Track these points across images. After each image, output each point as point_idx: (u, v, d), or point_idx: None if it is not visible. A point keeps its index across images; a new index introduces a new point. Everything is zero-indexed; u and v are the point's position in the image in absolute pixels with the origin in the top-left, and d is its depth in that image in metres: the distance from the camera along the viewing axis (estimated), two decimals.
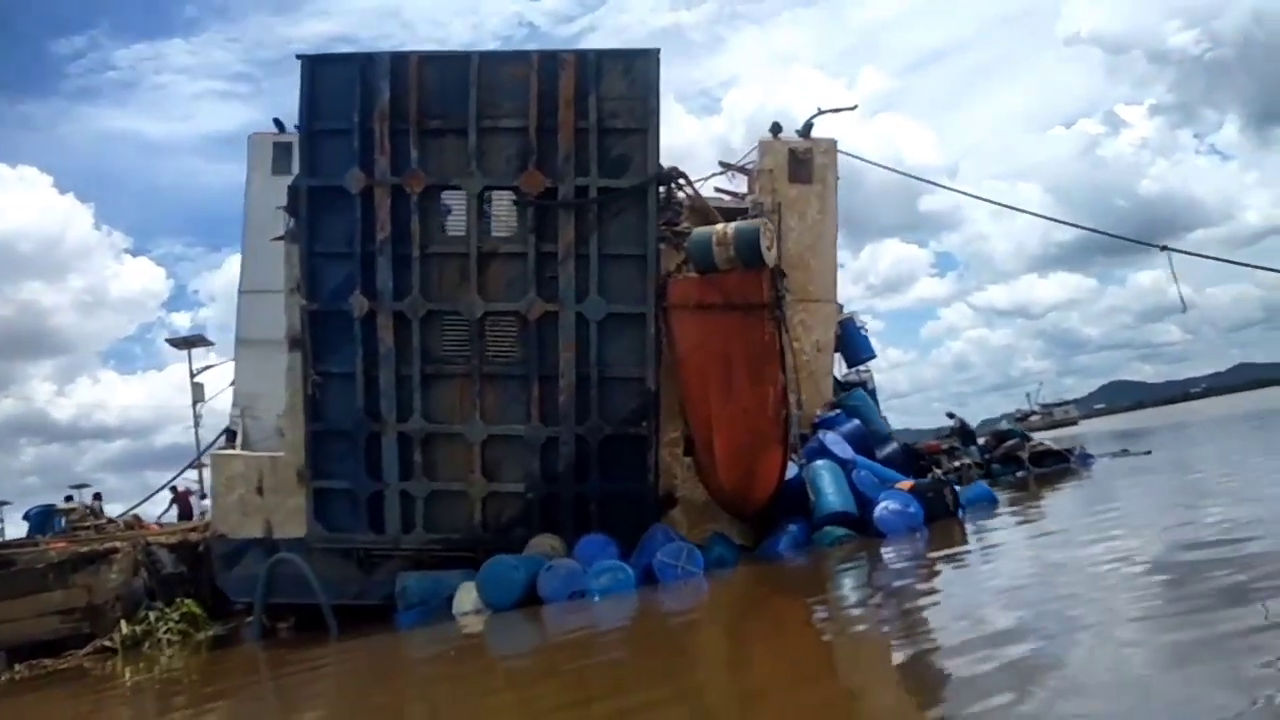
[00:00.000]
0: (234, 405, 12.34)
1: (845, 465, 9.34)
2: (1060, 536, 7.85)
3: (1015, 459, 16.46)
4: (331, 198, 9.16)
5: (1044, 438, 20.33)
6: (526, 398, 9.15)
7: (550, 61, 8.86)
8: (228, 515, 9.47)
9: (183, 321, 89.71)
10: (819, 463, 9.24)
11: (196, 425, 31.71)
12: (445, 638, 7.72)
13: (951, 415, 19.12)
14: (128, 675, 10.20)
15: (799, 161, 12.03)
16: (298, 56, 9.20)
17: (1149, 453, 17.21)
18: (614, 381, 9.07)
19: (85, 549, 12.43)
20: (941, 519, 8.97)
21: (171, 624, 11.74)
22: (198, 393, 31.12)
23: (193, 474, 21.87)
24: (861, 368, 13.80)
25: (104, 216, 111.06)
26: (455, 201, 9.18)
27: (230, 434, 11.74)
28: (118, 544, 12.53)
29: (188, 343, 31.05)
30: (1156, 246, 11.33)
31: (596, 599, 7.76)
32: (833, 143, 12.31)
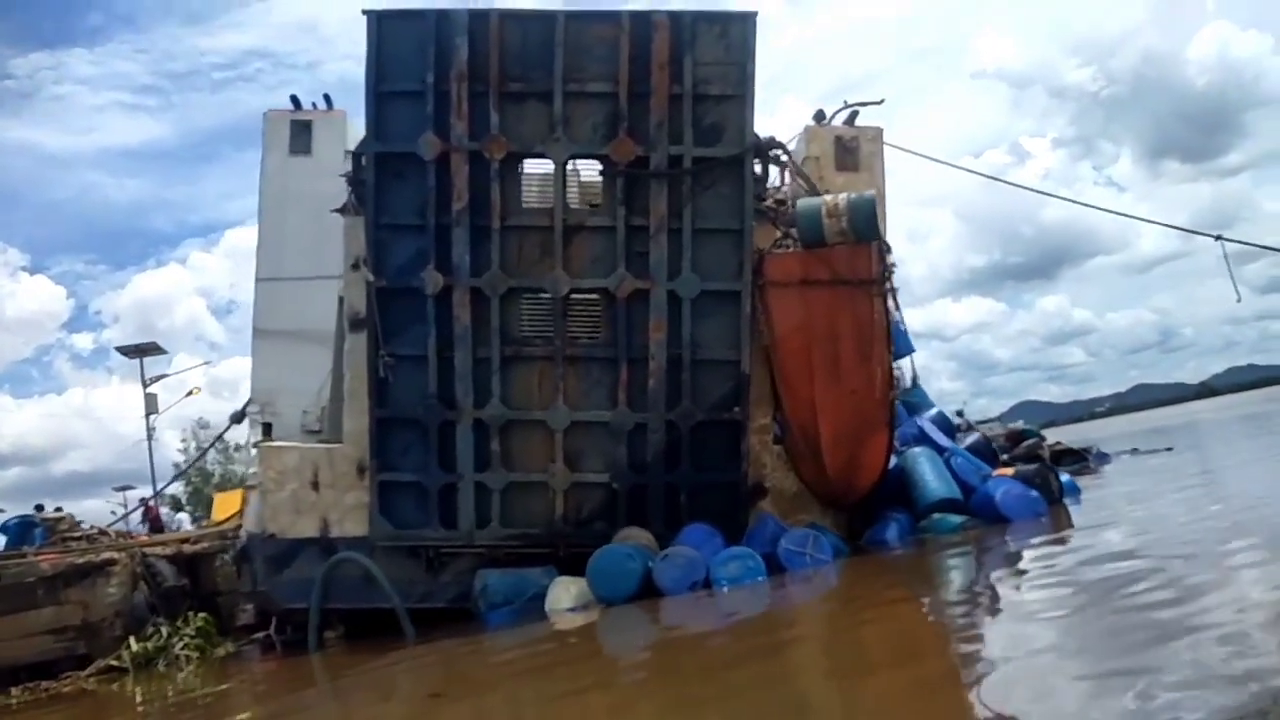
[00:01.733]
0: (251, 401, 11.40)
1: (942, 452, 8.95)
2: (1174, 511, 7.70)
3: (1037, 457, 16.37)
4: (400, 165, 8.47)
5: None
6: (612, 382, 8.55)
7: (642, 23, 8.32)
8: (278, 513, 8.64)
9: (84, 343, 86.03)
10: (917, 450, 8.85)
11: (150, 437, 30.16)
12: (555, 636, 7.08)
13: (960, 414, 19.04)
14: (160, 696, 9.27)
15: (846, 149, 11.62)
16: (364, 12, 8.49)
17: (1170, 449, 17.33)
18: (705, 364, 8.54)
19: (82, 560, 11.40)
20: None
21: (187, 639, 10.81)
22: (150, 404, 29.58)
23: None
24: (903, 362, 13.49)
25: None
26: (536, 170, 8.56)
27: (267, 427, 10.83)
28: (114, 555, 11.52)
29: (140, 351, 29.52)
30: (1212, 236, 11.27)
31: (724, 588, 7.19)
32: (879, 131, 11.97)
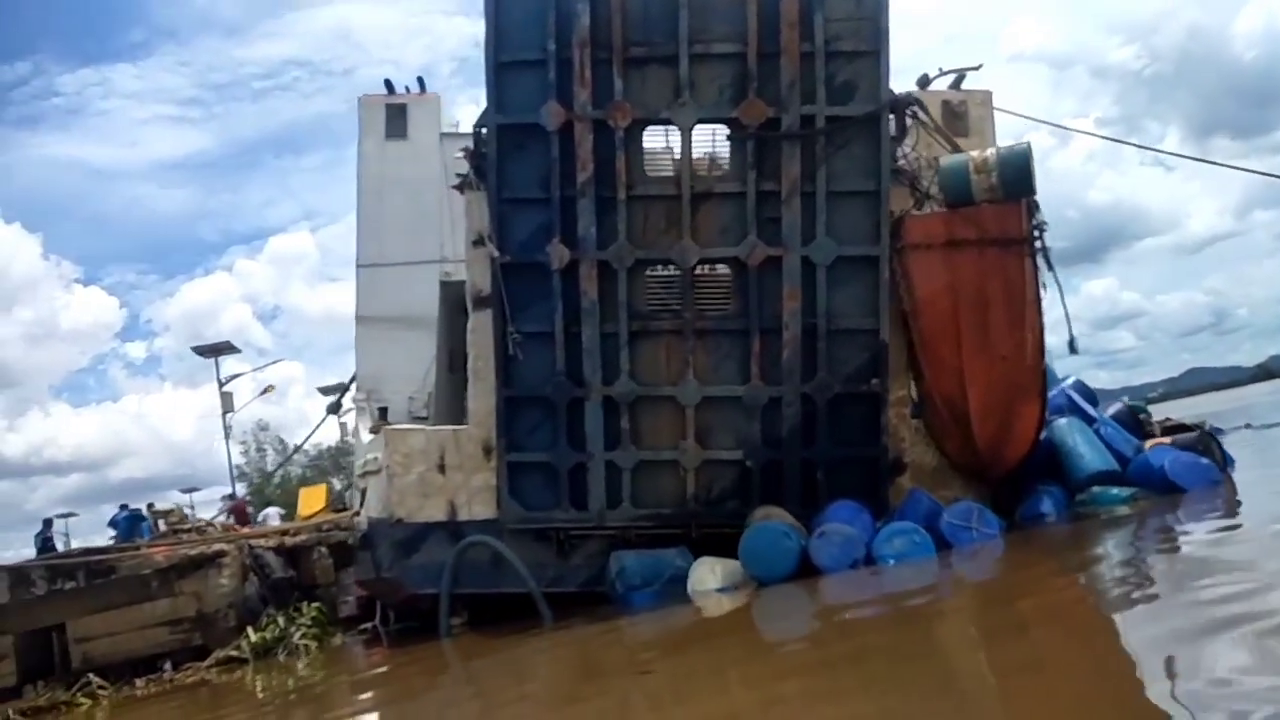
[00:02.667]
0: (357, 389, 11.35)
1: (1091, 422, 8.47)
2: None
3: (1186, 427, 15.64)
4: (522, 137, 8.24)
5: None
6: (743, 354, 8.24)
7: None
8: (405, 497, 8.48)
9: (138, 351, 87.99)
10: (1065, 420, 8.37)
11: (227, 437, 30.57)
12: (716, 615, 6.76)
13: None
14: (316, 684, 9.20)
15: (954, 114, 11.13)
16: None
17: None
18: (841, 334, 8.18)
19: (194, 552, 11.42)
20: None
21: (304, 629, 10.78)
22: (226, 402, 29.94)
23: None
24: None
25: (52, 246, 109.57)
26: (660, 137, 8.27)
27: (383, 410, 10.75)
28: (225, 547, 11.53)
29: (215, 350, 29.84)
30: None
31: (890, 565, 6.85)
32: (988, 94, 11.45)
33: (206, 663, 10.39)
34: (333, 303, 68.77)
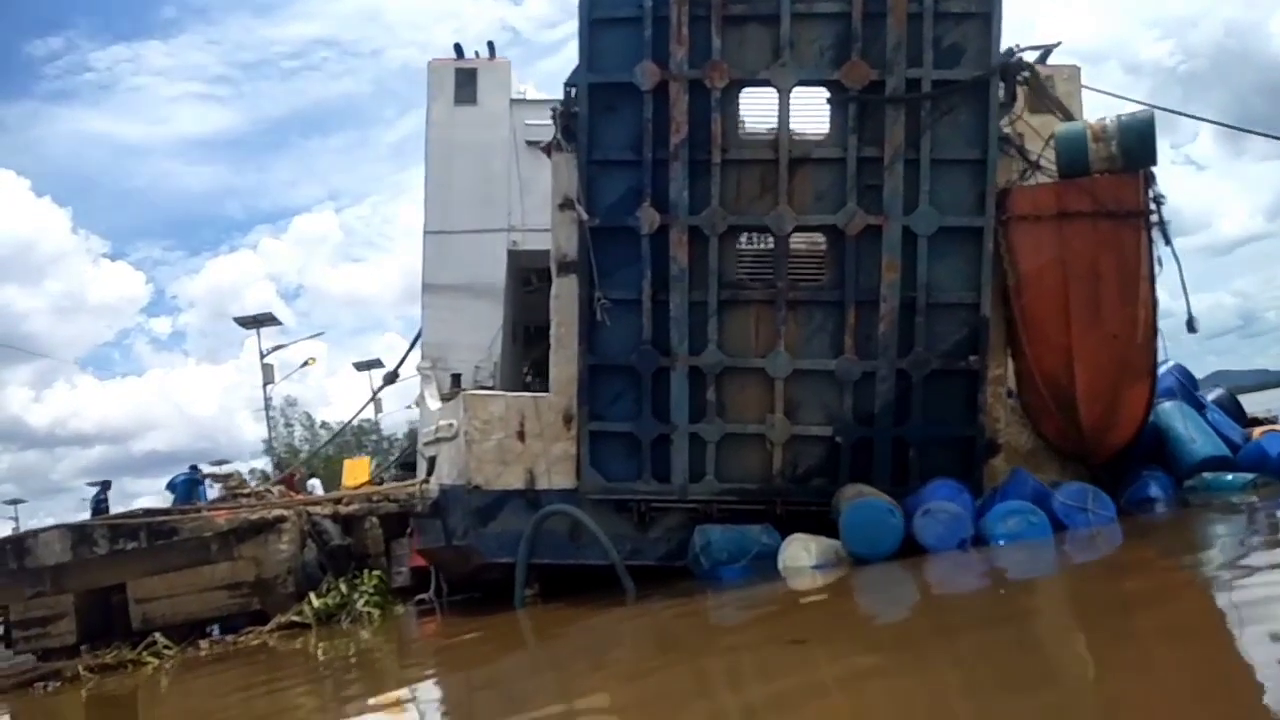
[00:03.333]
0: (422, 357, 11.19)
1: (1200, 408, 8.13)
2: None
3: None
4: (612, 97, 7.98)
5: None
6: (836, 326, 7.96)
7: None
8: (483, 463, 8.29)
9: (163, 327, 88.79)
10: (1171, 404, 8.03)
11: (267, 408, 30.73)
12: (829, 590, 6.48)
13: None
14: (364, 654, 9.08)
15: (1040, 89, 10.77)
16: None
17: None
18: (938, 308, 7.88)
19: (255, 516, 11.33)
20: None
21: (367, 596, 10.67)
22: (268, 374, 30.09)
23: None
24: None
25: (81, 220, 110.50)
26: (756, 99, 7.97)
27: (456, 378, 10.59)
28: (284, 513, 11.43)
29: (256, 321, 29.99)
30: None
31: (1001, 545, 6.57)
32: (1075, 69, 11.04)
33: (268, 627, 10.31)
34: (355, 283, 68.91)
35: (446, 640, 8.77)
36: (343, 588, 10.62)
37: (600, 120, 7.98)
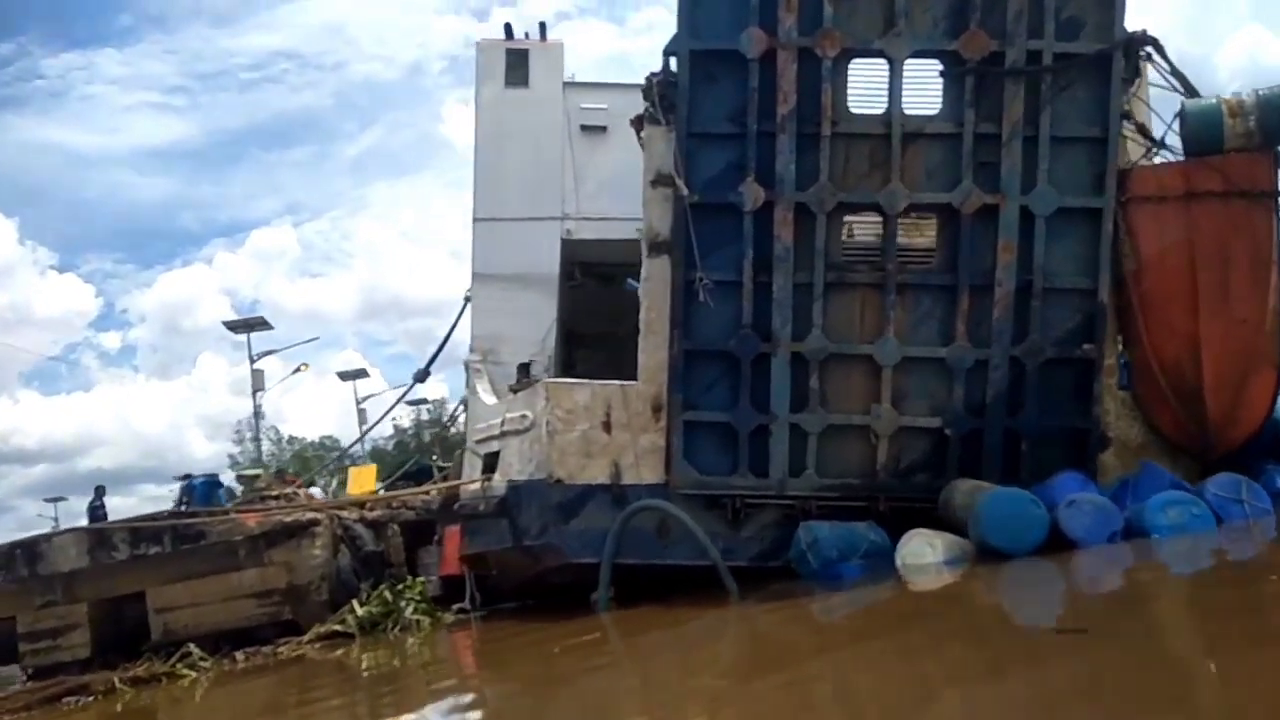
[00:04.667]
0: (471, 349, 10.58)
1: None
2: None
3: None
4: (713, 66, 7.54)
5: None
6: (946, 312, 7.55)
7: None
8: (566, 456, 7.73)
9: (112, 341, 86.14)
10: None
11: (257, 416, 29.76)
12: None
13: None
14: (419, 666, 8.44)
15: None
16: None
17: None
18: (1053, 293, 7.51)
19: (289, 519, 10.63)
20: None
21: (414, 603, 10.01)
22: (257, 380, 29.18)
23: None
24: None
25: (29, 231, 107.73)
26: (865, 70, 7.58)
27: (524, 367, 10.00)
28: (317, 516, 10.74)
29: (247, 326, 29.12)
30: None
31: (1160, 536, 6.15)
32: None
33: (307, 637, 9.60)
34: (313, 299, 67.72)
35: (518, 648, 8.12)
36: (387, 594, 9.96)
37: (700, 90, 7.53)
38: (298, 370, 30.15)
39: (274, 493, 12.05)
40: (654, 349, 7.74)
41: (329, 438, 42.21)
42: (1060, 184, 7.41)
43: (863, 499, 7.61)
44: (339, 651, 9.16)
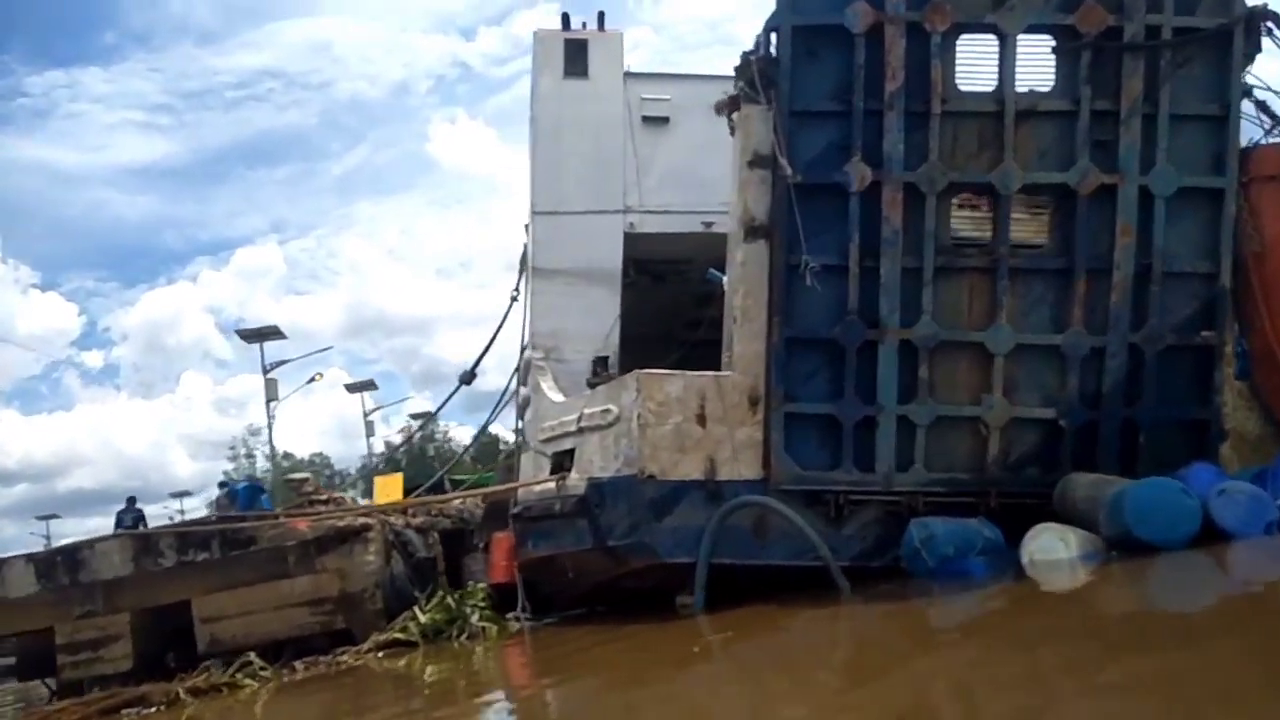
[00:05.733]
0: (532, 347, 10.21)
1: None
2: None
3: None
4: (815, 42, 7.23)
5: None
6: (1058, 297, 7.23)
7: None
8: (658, 450, 7.35)
9: (94, 360, 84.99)
10: None
11: (270, 427, 29.22)
12: None
13: None
14: (491, 677, 7.99)
15: None
16: None
17: None
18: (1171, 277, 7.19)
19: (343, 524, 10.20)
20: None
21: (479, 609, 9.57)
22: (270, 389, 28.66)
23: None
24: None
25: (11, 249, 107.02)
26: (974, 45, 7.28)
27: (602, 360, 9.62)
28: (369, 521, 10.33)
29: (260, 335, 28.63)
30: None
31: None
32: None
33: (366, 646, 9.16)
34: (298, 316, 67.25)
35: (601, 654, 7.67)
36: (450, 601, 9.52)
37: (802, 67, 7.22)
38: (312, 380, 29.61)
39: (323, 496, 11.60)
40: (750, 338, 7.38)
41: (319, 455, 41.78)
42: (1179, 164, 7.11)
43: (971, 494, 7.24)
44: (401, 661, 8.72)
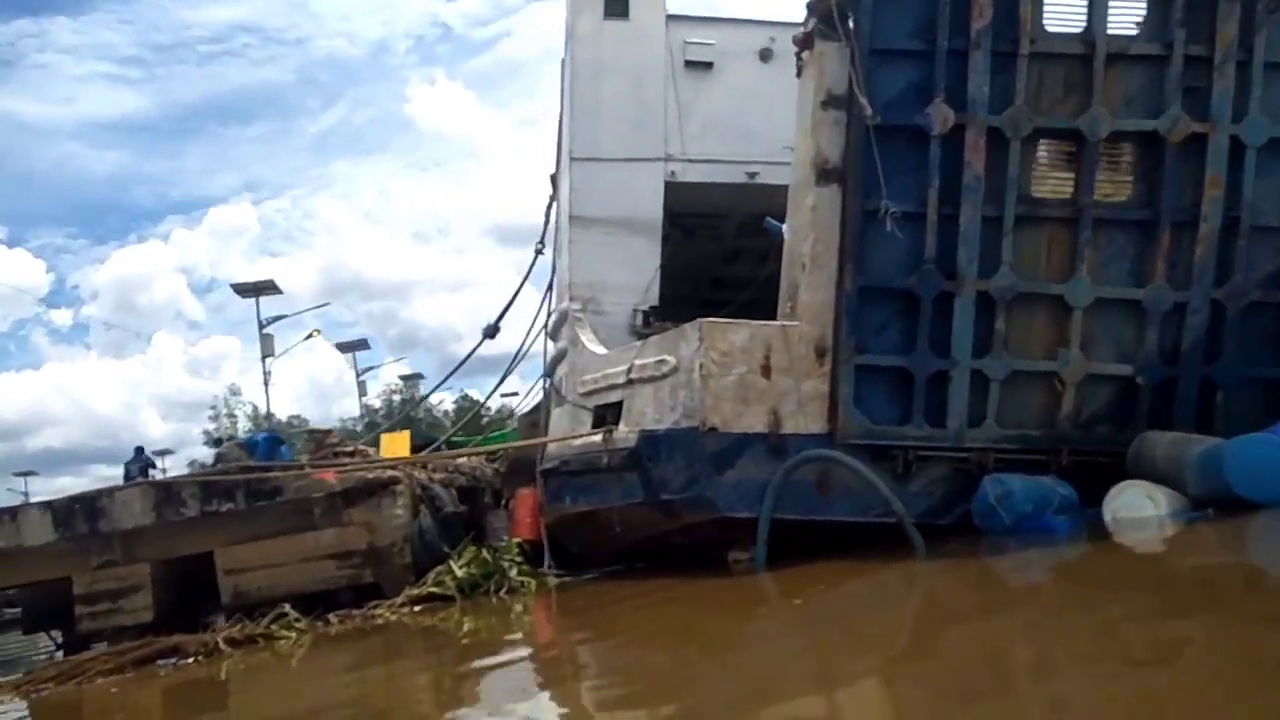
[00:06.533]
0: (571, 299, 9.86)
1: None
2: None
3: None
4: None
5: None
6: (1139, 250, 6.99)
7: None
8: (721, 402, 7.08)
9: (64, 319, 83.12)
10: None
11: (266, 384, 28.71)
12: None
13: None
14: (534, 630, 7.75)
15: None
16: None
17: None
18: (1259, 231, 6.97)
19: (371, 475, 9.92)
20: None
21: (516, 564, 9.33)
22: (266, 345, 28.15)
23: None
24: None
25: None
26: None
27: (652, 310, 9.30)
28: (396, 474, 10.05)
29: (256, 289, 28.05)
30: None
31: None
32: None
33: (399, 600, 8.92)
34: (274, 278, 66.45)
35: (649, 610, 7.39)
36: (486, 555, 9.28)
37: (883, 3, 6.87)
38: (309, 336, 29.08)
39: (348, 448, 11.28)
40: (819, 286, 7.10)
41: (296, 417, 41.43)
42: (1272, 114, 6.85)
43: (1043, 451, 7.05)
44: (438, 616, 8.48)
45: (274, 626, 8.18)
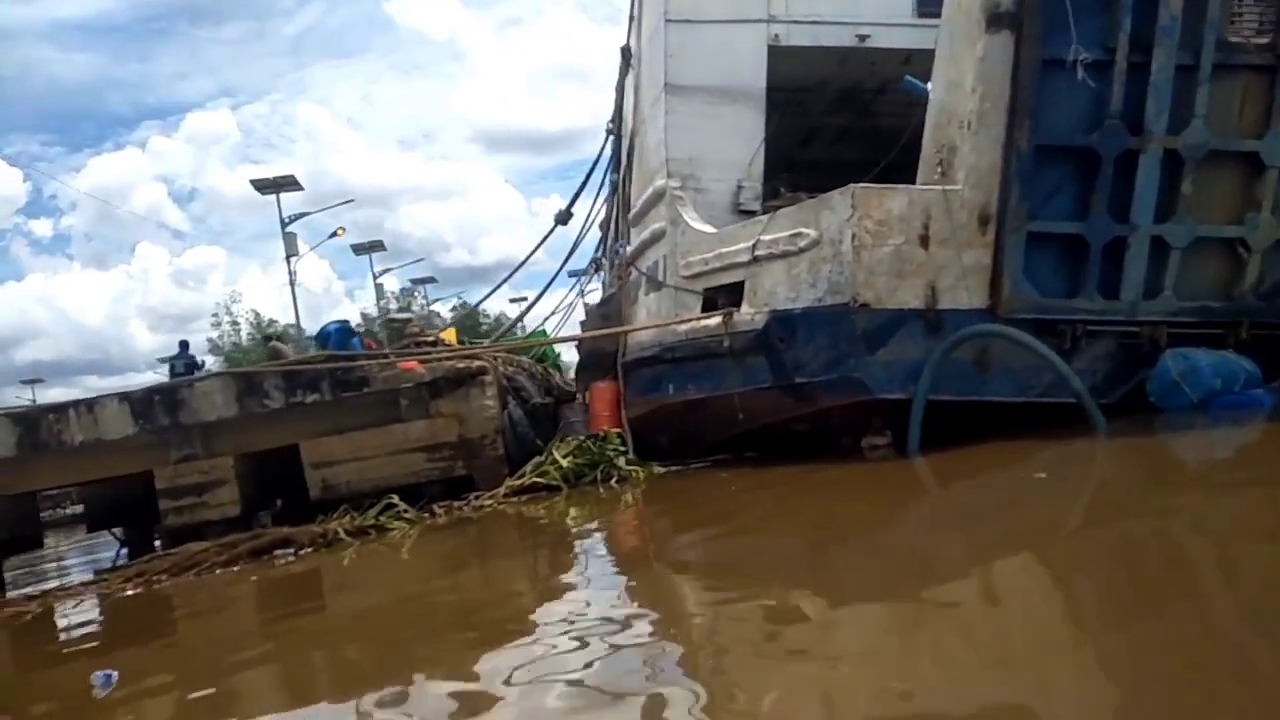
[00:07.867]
0: (668, 175, 9.16)
1: None
2: None
3: None
4: None
5: None
6: None
7: None
8: (873, 275, 6.53)
9: (44, 229, 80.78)
10: None
11: (292, 283, 27.96)
12: None
13: None
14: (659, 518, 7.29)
15: None
16: None
17: None
18: None
19: (462, 365, 9.46)
20: None
21: (622, 453, 8.96)
22: (290, 244, 27.32)
23: None
24: None
25: None
26: None
27: (776, 186, 8.66)
28: (484, 364, 9.58)
29: (276, 185, 27.01)
30: None
31: None
32: None
33: (502, 490, 8.58)
34: (293, 173, 65.00)
35: (782, 499, 6.91)
36: (591, 445, 8.89)
37: None
38: (334, 235, 28.21)
39: (429, 337, 10.77)
40: (985, 146, 6.45)
41: (293, 326, 40.97)
42: None
43: (1221, 325, 6.55)
44: (542, 506, 8.13)
45: (382, 518, 7.83)
